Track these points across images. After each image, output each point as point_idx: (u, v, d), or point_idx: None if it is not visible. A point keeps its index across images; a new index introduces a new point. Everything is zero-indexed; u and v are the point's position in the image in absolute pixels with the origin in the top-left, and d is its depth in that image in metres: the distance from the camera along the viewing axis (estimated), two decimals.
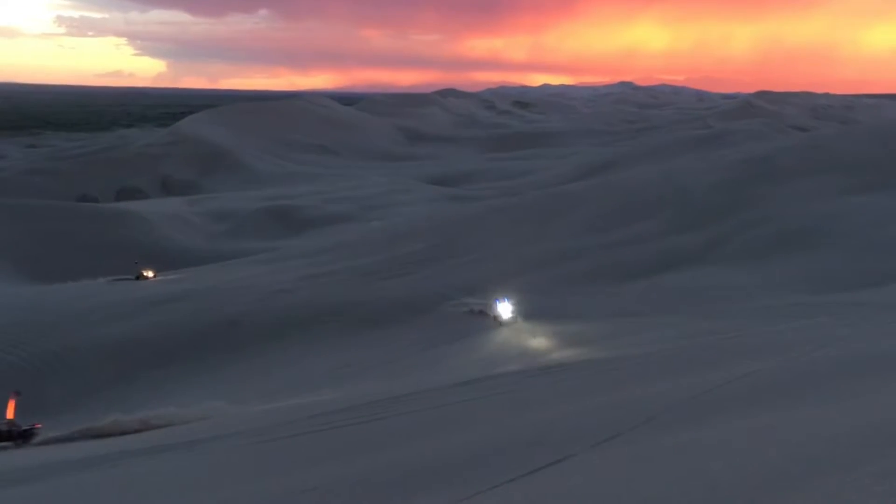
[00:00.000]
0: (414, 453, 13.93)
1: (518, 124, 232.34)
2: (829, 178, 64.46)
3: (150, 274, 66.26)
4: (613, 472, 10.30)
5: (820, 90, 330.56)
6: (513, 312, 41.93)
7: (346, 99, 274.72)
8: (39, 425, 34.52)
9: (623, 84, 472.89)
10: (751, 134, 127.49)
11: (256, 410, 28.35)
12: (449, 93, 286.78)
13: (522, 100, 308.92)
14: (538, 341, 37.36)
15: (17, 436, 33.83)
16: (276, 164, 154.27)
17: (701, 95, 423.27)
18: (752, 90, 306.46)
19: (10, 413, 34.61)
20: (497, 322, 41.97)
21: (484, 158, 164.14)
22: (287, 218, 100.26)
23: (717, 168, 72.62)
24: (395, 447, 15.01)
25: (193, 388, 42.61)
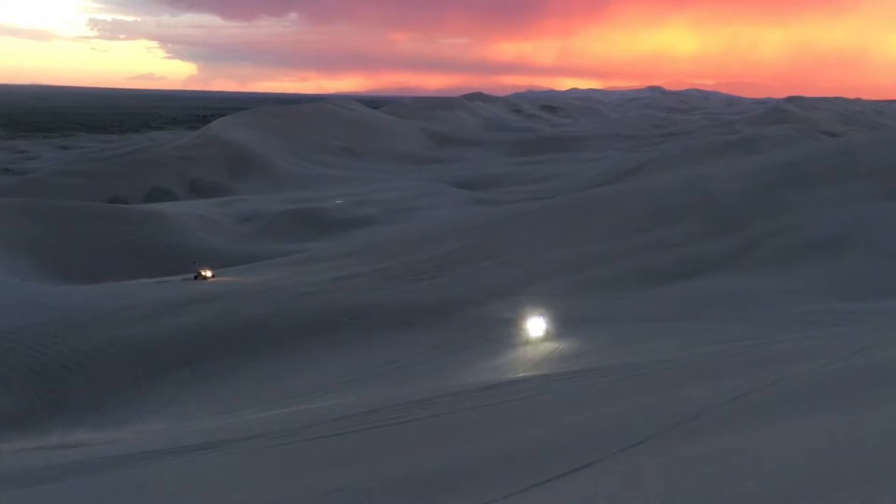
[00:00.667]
0: (439, 456, 13.92)
1: (545, 128, 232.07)
2: (859, 184, 63.82)
3: (208, 274, 66.51)
4: (639, 479, 10.23)
5: (851, 95, 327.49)
6: (545, 331, 40.90)
7: (373, 102, 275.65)
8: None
9: (652, 89, 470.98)
10: (781, 140, 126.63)
11: (281, 412, 28.46)
12: (476, 97, 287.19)
13: (550, 104, 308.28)
14: (564, 345, 37.22)
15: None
16: (304, 166, 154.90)
17: (731, 100, 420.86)
18: (782, 95, 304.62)
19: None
20: (526, 337, 41.37)
21: (511, 162, 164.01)
22: (314, 220, 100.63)
23: (745, 174, 72.11)
24: (420, 450, 15.00)
25: (218, 388, 42.85)
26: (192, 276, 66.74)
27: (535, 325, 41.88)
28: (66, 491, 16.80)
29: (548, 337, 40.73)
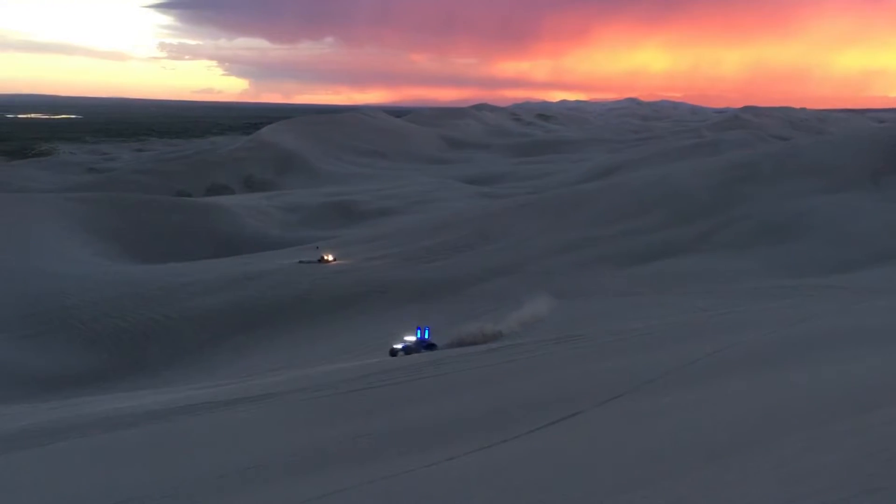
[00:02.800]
0: (450, 407, 13.96)
1: (540, 134, 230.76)
2: (805, 180, 63.40)
3: (330, 258, 60.91)
4: (617, 426, 10.24)
5: (798, 105, 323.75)
6: (538, 301, 40.41)
7: (396, 112, 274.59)
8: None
9: (629, 100, 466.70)
10: (738, 143, 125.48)
11: (319, 370, 28.54)
12: (483, 107, 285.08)
13: (544, 113, 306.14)
14: (554, 315, 37.16)
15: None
16: (338, 165, 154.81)
17: (696, 110, 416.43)
18: (739, 105, 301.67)
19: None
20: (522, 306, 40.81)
21: (511, 162, 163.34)
22: (346, 210, 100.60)
23: (708, 172, 71.67)
24: (434, 402, 15.05)
25: (270, 351, 43.00)
26: (314, 259, 60.85)
27: (530, 297, 41.90)
28: (143, 435, 16.93)
29: (541, 307, 40.74)
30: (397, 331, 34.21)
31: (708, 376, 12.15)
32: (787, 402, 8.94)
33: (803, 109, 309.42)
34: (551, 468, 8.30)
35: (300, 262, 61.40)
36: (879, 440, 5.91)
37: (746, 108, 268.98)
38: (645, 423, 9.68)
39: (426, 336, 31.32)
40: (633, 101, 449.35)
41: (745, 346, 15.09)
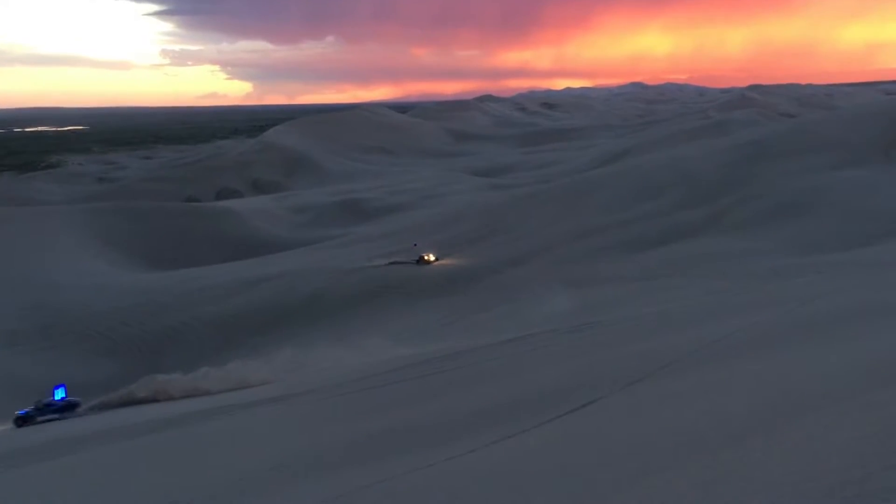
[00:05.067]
0: (471, 399, 13.98)
1: (546, 122, 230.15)
2: (814, 157, 63.00)
3: (431, 258, 55.55)
4: (638, 411, 10.24)
5: (804, 81, 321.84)
6: (549, 291, 40.70)
7: (401, 107, 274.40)
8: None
9: (634, 84, 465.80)
10: (746, 122, 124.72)
11: (336, 370, 28.62)
12: (487, 98, 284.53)
13: (549, 101, 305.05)
14: (568, 303, 37.16)
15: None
16: (345, 164, 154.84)
17: (702, 91, 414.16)
18: (745, 84, 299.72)
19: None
20: (536, 296, 41.19)
21: (518, 152, 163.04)
22: (356, 208, 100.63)
23: (717, 152, 71.32)
24: (454, 395, 15.07)
25: (283, 352, 43.13)
26: (410, 260, 55.93)
27: (542, 287, 42.03)
28: (162, 441, 17.06)
29: (553, 296, 40.79)
30: (412, 326, 34.24)
31: (726, 357, 12.13)
32: (806, 380, 8.93)
33: (810, 85, 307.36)
34: (573, 455, 8.32)
35: (392, 262, 56.42)
36: None
37: (753, 87, 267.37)
38: (665, 407, 9.68)
39: (63, 396, 28.69)
40: (639, 86, 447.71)
41: (762, 326, 15.04)
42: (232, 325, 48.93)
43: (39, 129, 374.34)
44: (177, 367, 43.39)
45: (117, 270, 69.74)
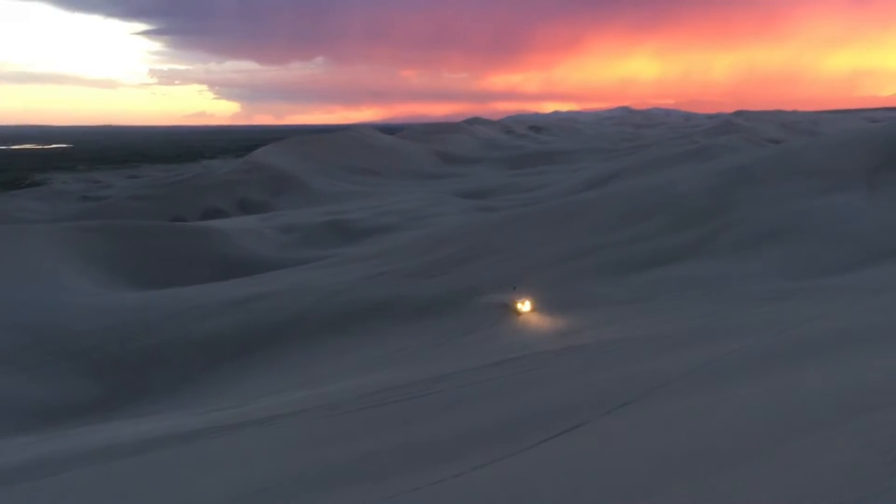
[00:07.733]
0: (458, 423, 13.97)
1: (533, 145, 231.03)
2: (799, 182, 63.55)
3: (525, 307, 42.95)
4: (623, 435, 10.27)
5: (790, 108, 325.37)
6: (536, 313, 41.10)
7: (389, 129, 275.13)
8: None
9: (621, 108, 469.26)
10: (731, 147, 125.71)
11: (321, 391, 28.49)
12: (475, 121, 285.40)
13: (536, 125, 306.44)
14: (554, 327, 37.17)
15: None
16: (333, 184, 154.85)
17: (688, 116, 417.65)
18: (731, 110, 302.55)
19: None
20: (522, 318, 41.47)
21: (506, 175, 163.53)
22: (344, 229, 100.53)
23: (703, 177, 71.80)
24: (442, 418, 15.05)
25: (270, 373, 42.91)
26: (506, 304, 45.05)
27: (529, 309, 42.05)
28: (147, 463, 16.90)
29: (540, 318, 40.80)
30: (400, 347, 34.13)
31: (713, 381, 12.19)
32: (794, 404, 8.99)
33: (795, 112, 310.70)
34: (559, 478, 8.32)
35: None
36: (888, 440, 5.96)
37: (738, 113, 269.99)
38: (653, 430, 9.71)
39: None
40: (626, 110, 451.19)
41: (749, 349, 15.12)
42: (217, 346, 48.61)
43: (25, 146, 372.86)
44: (161, 388, 43.15)
45: (102, 289, 69.26)
